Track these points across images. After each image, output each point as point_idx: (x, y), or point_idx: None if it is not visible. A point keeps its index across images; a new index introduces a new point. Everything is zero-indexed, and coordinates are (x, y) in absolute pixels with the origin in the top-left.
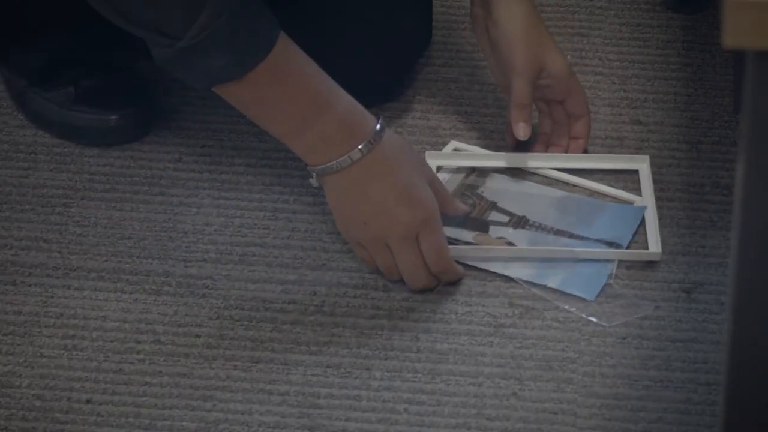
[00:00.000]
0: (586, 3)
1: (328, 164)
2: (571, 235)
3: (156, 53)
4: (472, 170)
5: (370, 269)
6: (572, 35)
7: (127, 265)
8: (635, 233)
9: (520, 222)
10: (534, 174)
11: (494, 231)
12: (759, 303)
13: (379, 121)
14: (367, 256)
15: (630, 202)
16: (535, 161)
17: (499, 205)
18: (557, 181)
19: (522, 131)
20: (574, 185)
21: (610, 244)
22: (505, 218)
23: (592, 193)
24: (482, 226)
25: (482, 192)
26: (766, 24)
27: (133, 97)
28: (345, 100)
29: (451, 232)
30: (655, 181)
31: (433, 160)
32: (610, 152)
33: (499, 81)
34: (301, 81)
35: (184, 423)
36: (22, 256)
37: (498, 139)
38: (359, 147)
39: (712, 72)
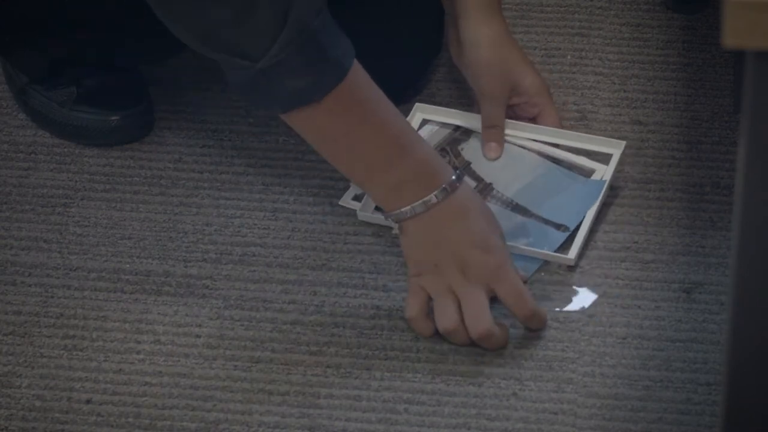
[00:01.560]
0: (586, 3)
1: (403, 209)
2: (526, 213)
3: (232, 77)
4: (458, 128)
5: (371, 270)
6: (572, 35)
7: (127, 265)
8: (598, 205)
9: (483, 191)
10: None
11: None
12: (759, 303)
13: (456, 171)
14: (416, 304)
15: (592, 171)
16: (517, 130)
17: (473, 166)
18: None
19: (493, 152)
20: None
21: (559, 226)
22: (473, 184)
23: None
24: None
25: (462, 149)
26: (766, 24)
27: (133, 97)
28: (425, 144)
29: None
30: (654, 181)
31: (421, 113)
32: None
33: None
34: (381, 114)
35: (184, 423)
36: (22, 256)
37: None
38: (435, 193)
39: (712, 72)
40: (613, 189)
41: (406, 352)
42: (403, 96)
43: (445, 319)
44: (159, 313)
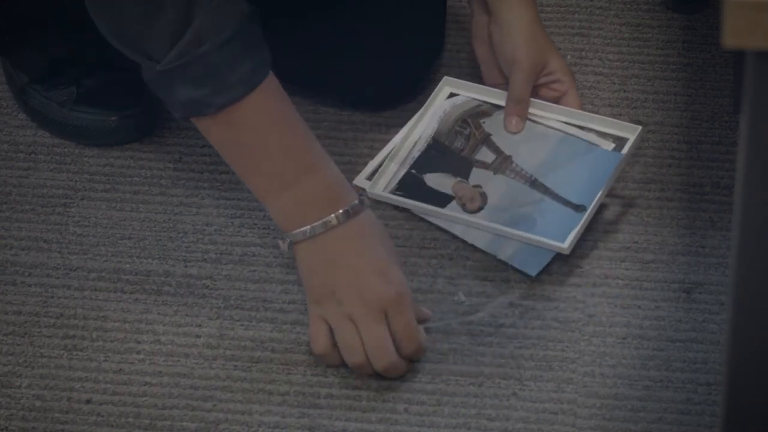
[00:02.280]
0: (586, 3)
1: (302, 229)
2: (545, 190)
3: (143, 72)
4: (483, 103)
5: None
6: (572, 35)
7: (127, 265)
8: (609, 182)
9: (502, 164)
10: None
11: (475, 174)
12: (759, 303)
13: (361, 196)
14: (320, 339)
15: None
16: (539, 110)
17: (493, 138)
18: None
19: (515, 126)
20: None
21: (577, 207)
22: (491, 157)
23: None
24: (465, 170)
25: (483, 122)
26: (766, 24)
27: (133, 97)
28: (333, 167)
29: (432, 179)
30: (655, 181)
31: (449, 87)
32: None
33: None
34: (288, 135)
35: (184, 423)
36: (22, 256)
37: None
38: (336, 214)
39: (712, 72)
40: (613, 189)
41: None
42: (404, 96)
43: (352, 353)
44: (159, 313)
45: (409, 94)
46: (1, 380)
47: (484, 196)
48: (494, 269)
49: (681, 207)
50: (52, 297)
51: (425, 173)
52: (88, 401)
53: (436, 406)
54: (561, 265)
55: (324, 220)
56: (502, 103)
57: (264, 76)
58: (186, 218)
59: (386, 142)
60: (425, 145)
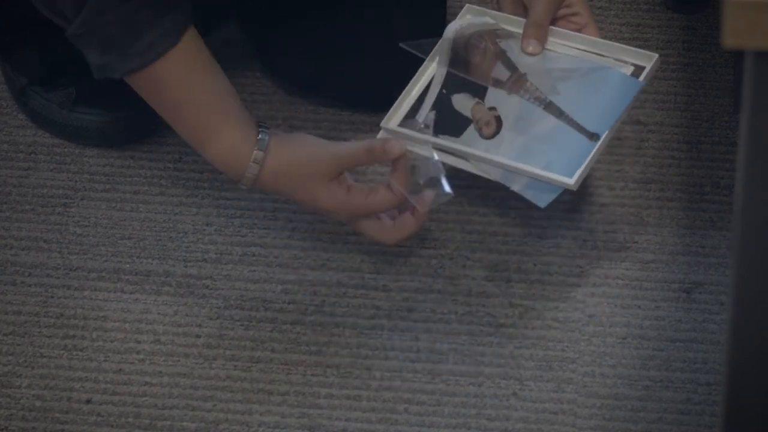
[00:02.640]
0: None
1: (246, 179)
2: (560, 114)
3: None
4: (501, 28)
5: (371, 270)
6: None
7: (127, 265)
8: (625, 111)
9: (517, 83)
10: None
11: (491, 95)
12: (759, 303)
13: (253, 157)
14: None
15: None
16: (555, 37)
17: (508, 54)
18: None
19: (532, 47)
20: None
21: (591, 135)
22: (506, 74)
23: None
24: (481, 90)
25: (499, 41)
26: (766, 24)
27: (133, 97)
28: (224, 141)
29: (457, 100)
30: (654, 181)
31: (470, 15)
32: (610, 152)
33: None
34: (182, 108)
35: (184, 423)
36: (22, 256)
37: None
38: (244, 181)
39: (712, 72)
40: (613, 189)
41: (406, 352)
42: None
43: (386, 232)
44: (159, 313)
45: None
46: (1, 380)
47: (498, 121)
48: (494, 269)
49: (681, 207)
50: (52, 297)
51: (452, 93)
52: (88, 401)
53: (436, 406)
54: (561, 265)
55: (242, 182)
56: (521, 30)
57: (172, 44)
58: (186, 218)
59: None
60: (447, 60)
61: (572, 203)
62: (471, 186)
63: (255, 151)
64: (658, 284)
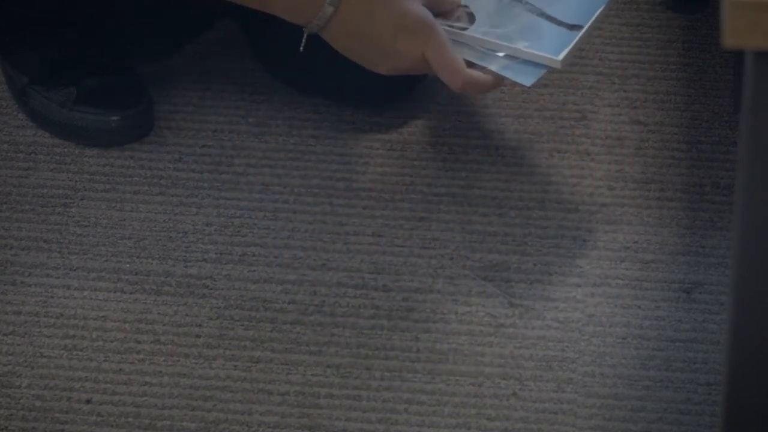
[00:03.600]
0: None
1: (314, 23)
2: (534, 10)
3: None
4: None
5: (371, 270)
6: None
7: (127, 265)
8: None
9: None
10: None
11: None
12: (759, 303)
13: None
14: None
15: None
16: None
17: None
18: None
19: None
20: None
21: (572, 27)
22: None
23: None
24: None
25: None
26: (766, 24)
27: (133, 97)
28: None
29: None
30: (654, 181)
31: None
32: (610, 152)
33: None
34: None
35: (184, 423)
36: (22, 256)
37: (497, 139)
38: (320, 15)
39: (712, 72)
40: (613, 189)
41: (406, 352)
42: (404, 96)
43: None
44: (159, 313)
45: (409, 94)
46: (1, 380)
47: (471, 16)
48: (494, 269)
49: (681, 207)
50: (52, 297)
51: None
52: (88, 401)
53: (436, 406)
54: (561, 265)
55: (321, 11)
56: None
57: None
58: (186, 218)
59: (386, 142)
60: None
61: (572, 203)
62: (471, 186)
63: None
64: (658, 284)
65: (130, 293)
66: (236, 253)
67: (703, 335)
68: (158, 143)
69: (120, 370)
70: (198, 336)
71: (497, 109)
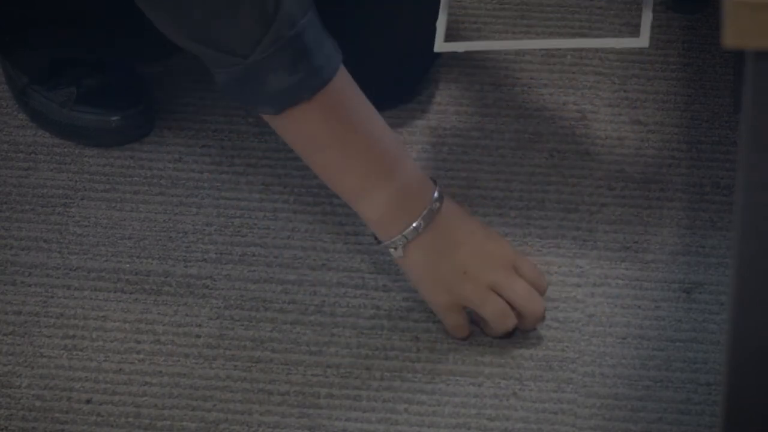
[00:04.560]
0: (586, 3)
1: (413, 225)
2: None
3: (221, 76)
4: None
5: (371, 270)
6: (572, 35)
7: (127, 265)
8: None
9: None
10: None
11: None
12: (759, 303)
13: (437, 188)
14: (464, 325)
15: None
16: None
17: None
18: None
19: None
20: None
21: None
22: None
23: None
24: None
25: None
26: (766, 24)
27: (133, 97)
28: (410, 163)
29: None
30: (654, 181)
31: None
32: (610, 152)
33: None
34: (372, 122)
35: (184, 423)
36: (22, 256)
37: (497, 139)
38: (435, 198)
39: (712, 72)
40: (613, 189)
41: (406, 352)
42: (404, 96)
43: (505, 319)
44: (159, 313)
45: (409, 94)
46: (1, 380)
47: None
48: None
49: (681, 207)
50: (52, 297)
51: None
52: (88, 401)
53: (436, 406)
54: (561, 265)
55: (428, 208)
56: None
57: (341, 56)
58: (186, 218)
59: None
60: None
61: (572, 203)
62: (471, 186)
63: (436, 189)
64: (658, 284)
65: (130, 293)
66: (236, 253)
67: (703, 335)
68: (158, 143)
69: (120, 370)
70: (198, 336)
71: (497, 109)
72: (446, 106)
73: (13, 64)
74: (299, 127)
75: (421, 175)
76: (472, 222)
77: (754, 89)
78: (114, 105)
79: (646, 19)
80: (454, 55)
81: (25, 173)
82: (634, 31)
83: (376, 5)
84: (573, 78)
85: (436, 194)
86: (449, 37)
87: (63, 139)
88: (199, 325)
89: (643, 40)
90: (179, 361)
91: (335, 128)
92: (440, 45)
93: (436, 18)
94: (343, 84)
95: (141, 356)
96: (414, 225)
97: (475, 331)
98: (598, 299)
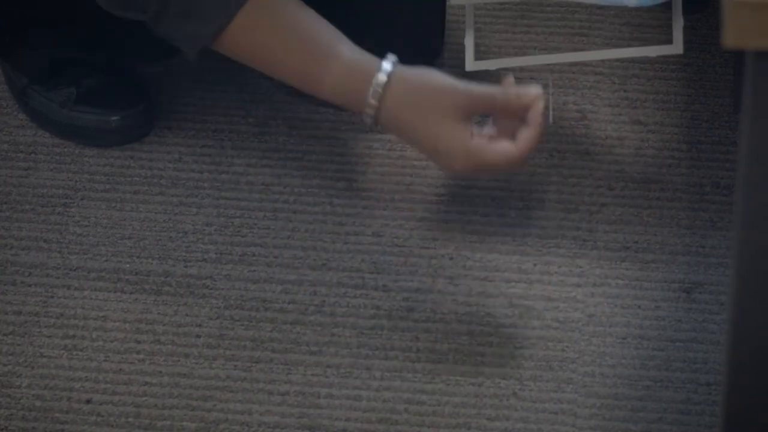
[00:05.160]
0: (586, 3)
1: (372, 89)
2: None
3: (152, 29)
4: None
5: (371, 270)
6: (572, 35)
7: (127, 265)
8: None
9: None
10: None
11: None
12: (759, 303)
13: (383, 67)
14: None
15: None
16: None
17: None
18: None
19: None
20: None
21: None
22: None
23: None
24: None
25: None
26: (766, 24)
27: (133, 97)
28: (343, 59)
29: None
30: (654, 181)
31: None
32: (610, 152)
33: None
34: (294, 27)
35: (184, 423)
36: (22, 256)
37: None
38: (369, 100)
39: (712, 72)
40: (613, 189)
41: (406, 352)
42: None
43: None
44: (159, 313)
45: None
46: (1, 380)
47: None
48: (494, 269)
49: (681, 207)
50: (52, 297)
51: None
52: (88, 401)
53: (436, 406)
54: (561, 265)
55: (365, 110)
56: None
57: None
58: (186, 218)
59: (386, 142)
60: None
61: (572, 203)
62: (471, 186)
63: (377, 74)
64: (658, 284)
65: (130, 293)
66: (236, 253)
67: (703, 335)
68: (158, 143)
69: (120, 370)
70: (198, 336)
71: None
72: None
73: (13, 65)
74: (228, 49)
75: (365, 54)
76: (423, 134)
77: (754, 89)
78: (114, 105)
79: (677, 25)
80: (454, 55)
81: (25, 173)
82: (634, 31)
83: (376, 6)
84: (573, 78)
85: (372, 94)
86: (449, 37)
87: (63, 139)
88: (199, 325)
89: (677, 47)
90: (179, 361)
91: (260, 46)
92: (471, 64)
93: (436, 18)
94: (247, 19)
95: (141, 356)
96: (367, 101)
97: (476, 330)
98: (598, 299)
